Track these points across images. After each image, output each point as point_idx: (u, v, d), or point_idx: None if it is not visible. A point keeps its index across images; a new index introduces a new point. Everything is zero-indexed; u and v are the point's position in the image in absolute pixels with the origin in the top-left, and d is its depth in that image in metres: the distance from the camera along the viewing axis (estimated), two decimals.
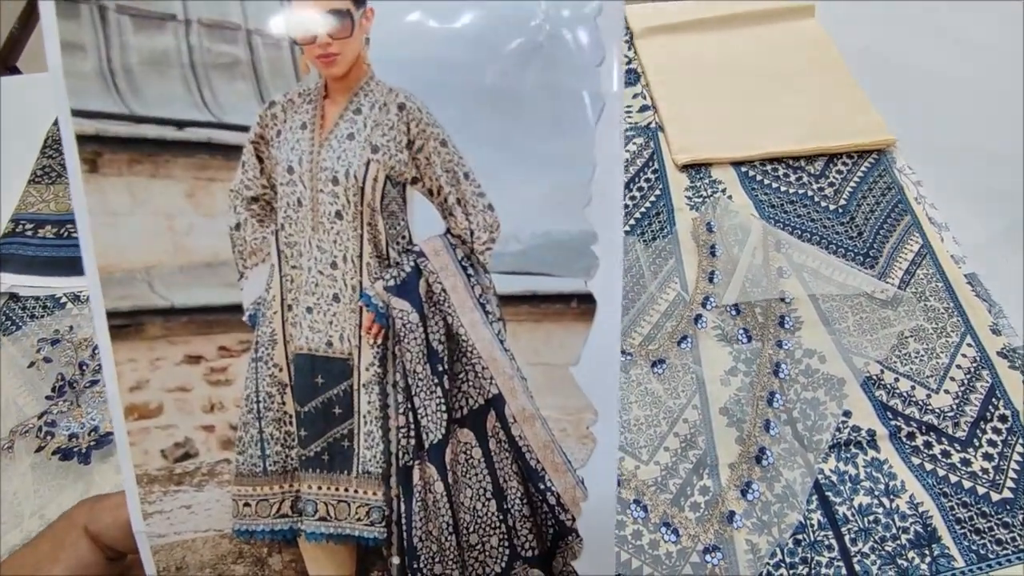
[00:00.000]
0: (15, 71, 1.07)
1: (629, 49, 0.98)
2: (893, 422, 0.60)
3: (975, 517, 0.55)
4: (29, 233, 0.77)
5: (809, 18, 1.01)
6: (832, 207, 0.78)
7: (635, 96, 0.92)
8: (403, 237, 0.33)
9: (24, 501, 0.56)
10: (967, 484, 0.57)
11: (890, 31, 1.00)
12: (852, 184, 0.80)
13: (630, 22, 1.01)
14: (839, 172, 0.81)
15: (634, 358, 0.66)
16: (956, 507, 0.56)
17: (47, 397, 0.63)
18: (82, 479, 0.59)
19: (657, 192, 0.80)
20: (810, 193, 0.79)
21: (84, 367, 0.65)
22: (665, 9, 1.06)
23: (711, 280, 0.71)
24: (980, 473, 0.57)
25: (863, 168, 0.82)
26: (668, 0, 1.04)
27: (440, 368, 0.32)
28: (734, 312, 0.69)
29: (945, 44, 0.97)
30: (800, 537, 0.55)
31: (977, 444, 0.59)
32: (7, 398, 0.62)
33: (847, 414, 0.61)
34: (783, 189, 0.80)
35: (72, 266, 0.74)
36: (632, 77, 0.94)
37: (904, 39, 0.98)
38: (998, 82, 0.89)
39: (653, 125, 0.88)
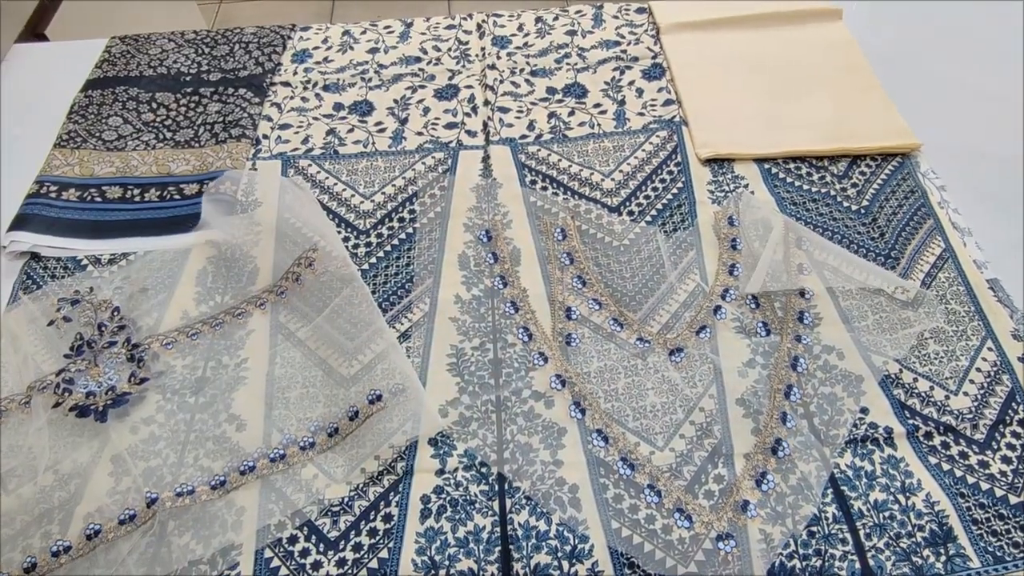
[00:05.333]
0: (43, 39, 1.07)
1: (655, 44, 0.98)
2: (911, 421, 0.60)
3: (992, 519, 0.55)
4: (53, 195, 0.77)
5: (836, 21, 1.01)
6: (855, 207, 0.77)
7: (659, 90, 0.92)
8: None
9: (39, 456, 0.56)
10: (985, 486, 0.56)
11: (917, 36, 1.00)
12: (875, 186, 0.80)
13: (657, 17, 1.02)
14: (862, 173, 0.81)
15: (652, 346, 0.66)
16: (973, 508, 0.55)
17: (65, 356, 0.63)
18: (97, 437, 0.59)
19: (679, 184, 0.80)
20: (833, 193, 0.79)
21: (103, 328, 0.65)
22: (692, 6, 1.06)
23: (731, 273, 0.71)
24: (998, 476, 0.57)
25: (887, 171, 0.81)
26: None
27: None
28: (753, 305, 0.68)
29: (971, 50, 0.96)
30: (814, 529, 0.54)
31: (996, 447, 0.58)
32: (26, 355, 0.62)
33: (864, 411, 0.61)
34: (805, 188, 0.80)
35: (94, 229, 0.74)
36: (657, 71, 0.94)
37: (931, 44, 0.98)
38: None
39: (677, 119, 0.88)
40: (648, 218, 0.77)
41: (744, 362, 0.64)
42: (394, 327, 0.67)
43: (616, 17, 1.04)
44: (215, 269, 0.72)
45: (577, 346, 0.66)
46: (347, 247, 0.74)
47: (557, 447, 0.59)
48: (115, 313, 0.66)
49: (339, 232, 0.75)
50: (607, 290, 0.70)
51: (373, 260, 0.73)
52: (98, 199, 0.77)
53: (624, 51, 0.97)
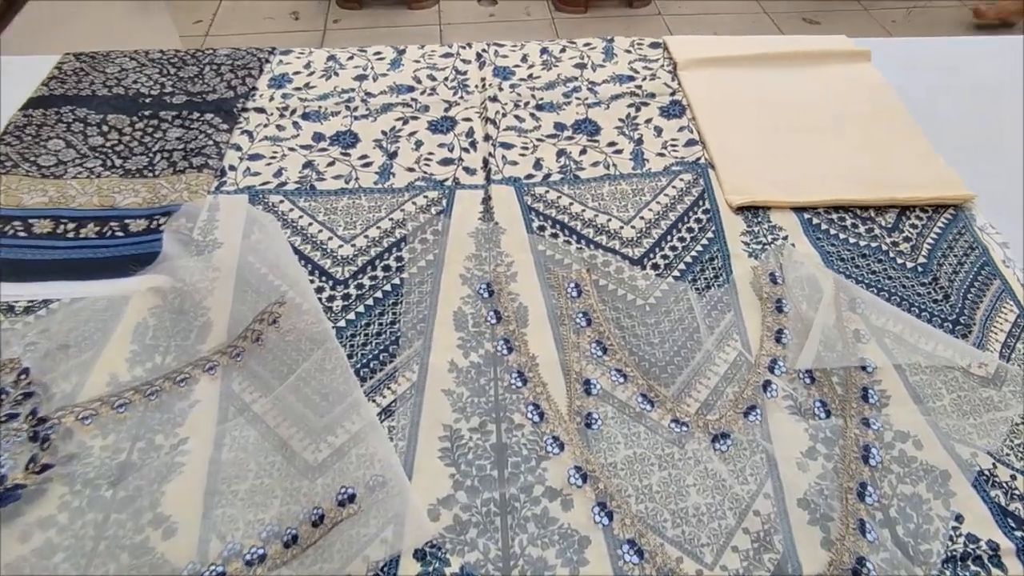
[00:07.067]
0: None
1: (673, 80, 0.90)
2: (1018, 532, 0.48)
3: None
4: None
5: (865, 62, 0.94)
6: (910, 264, 0.67)
7: (680, 129, 0.82)
8: None
9: None
10: None
11: (945, 77, 0.93)
12: (930, 240, 0.70)
13: (673, 52, 0.93)
14: (913, 226, 0.71)
15: (691, 429, 0.54)
16: None
17: None
18: None
19: (710, 234, 0.70)
20: (884, 247, 0.69)
21: (3, 396, 0.51)
22: (708, 43, 0.98)
23: (779, 340, 0.60)
24: None
25: (940, 224, 0.72)
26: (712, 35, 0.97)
27: None
28: (808, 380, 0.57)
29: (1001, 93, 0.89)
30: None
31: None
32: None
33: (959, 518, 0.49)
34: (852, 241, 0.70)
35: (11, 271, 0.61)
36: (676, 109, 0.85)
37: (957, 86, 0.91)
38: None
39: (702, 161, 0.78)
40: (676, 272, 0.66)
41: (803, 451, 0.53)
42: (374, 401, 0.55)
43: (629, 51, 0.95)
44: (157, 323, 0.59)
45: (599, 429, 0.53)
46: (320, 299, 0.62)
47: (579, 563, 0.46)
48: (22, 376, 0.53)
49: (312, 281, 0.63)
50: (632, 359, 0.58)
51: (351, 316, 0.61)
52: (22, 233, 0.65)
53: (639, 87, 0.88)
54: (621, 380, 0.57)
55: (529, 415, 0.54)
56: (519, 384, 0.56)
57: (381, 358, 0.58)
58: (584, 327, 0.60)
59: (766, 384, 0.56)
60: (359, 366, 0.57)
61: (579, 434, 0.53)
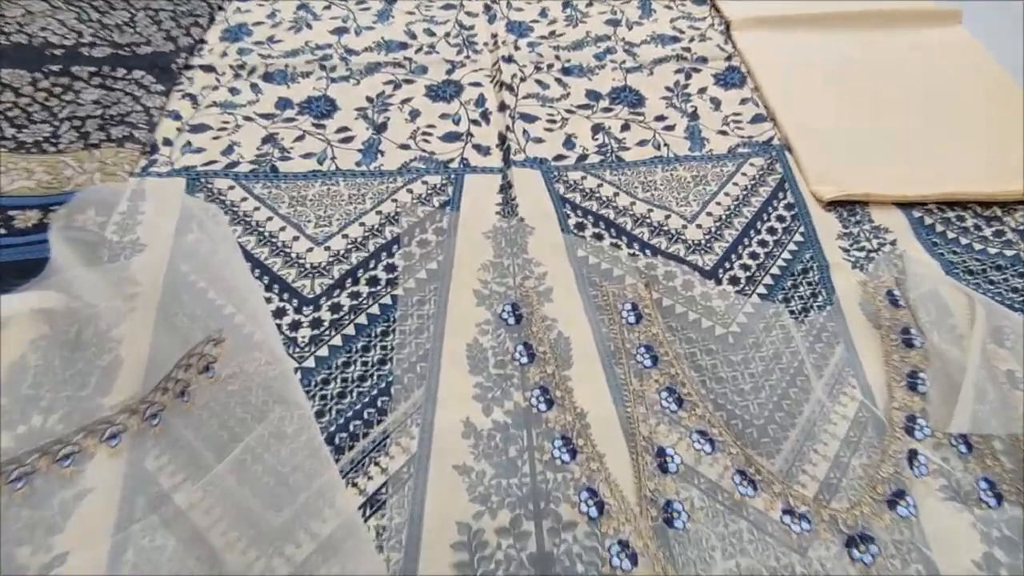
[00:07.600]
0: None
1: (726, 42, 0.73)
2: None
3: None
4: None
5: (955, 24, 0.78)
6: None
7: (743, 101, 0.66)
8: None
9: None
10: None
11: None
12: None
13: (724, 10, 0.77)
14: None
15: (814, 526, 0.37)
16: None
17: None
18: None
19: (798, 237, 0.53)
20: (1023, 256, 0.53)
21: None
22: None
23: (913, 388, 0.44)
24: None
25: None
26: None
27: None
28: (963, 448, 0.41)
29: None
30: None
31: None
32: None
33: None
34: (978, 247, 0.54)
35: None
36: (735, 77, 0.68)
37: None
38: None
39: (776, 142, 0.61)
40: (762, 288, 0.49)
41: (976, 560, 0.37)
42: (354, 484, 0.38)
43: (669, 7, 0.78)
44: (42, 363, 0.41)
45: (685, 529, 0.37)
46: (280, 327, 0.44)
47: None
48: None
49: (269, 300, 0.46)
50: (719, 415, 0.42)
51: (323, 352, 0.44)
52: None
53: (687, 49, 0.71)
54: (708, 449, 0.40)
55: (583, 506, 0.37)
56: (566, 457, 0.39)
57: (366, 416, 0.40)
58: (648, 367, 0.44)
59: (912, 455, 0.40)
60: (333, 429, 0.40)
61: (657, 536, 0.36)
